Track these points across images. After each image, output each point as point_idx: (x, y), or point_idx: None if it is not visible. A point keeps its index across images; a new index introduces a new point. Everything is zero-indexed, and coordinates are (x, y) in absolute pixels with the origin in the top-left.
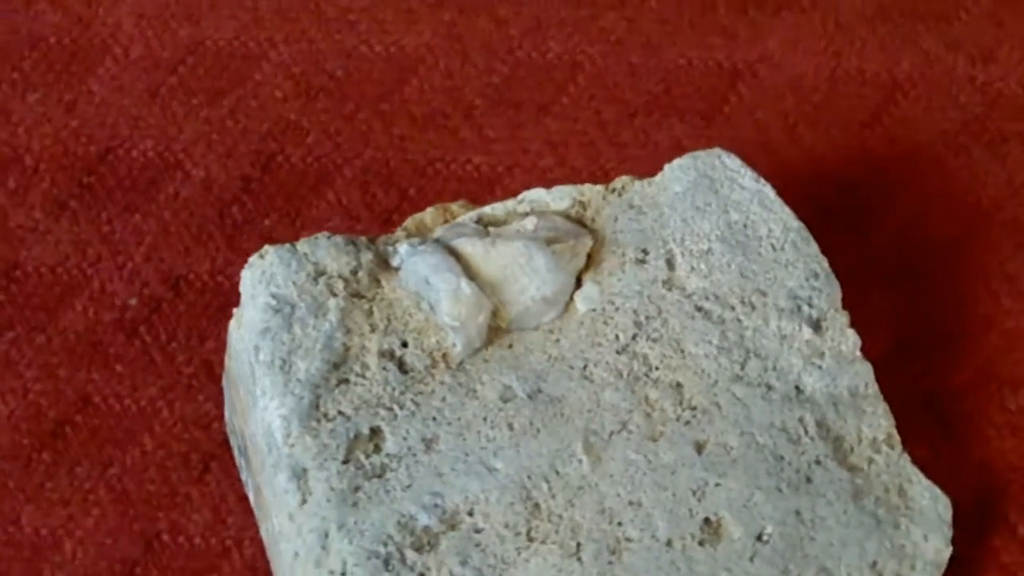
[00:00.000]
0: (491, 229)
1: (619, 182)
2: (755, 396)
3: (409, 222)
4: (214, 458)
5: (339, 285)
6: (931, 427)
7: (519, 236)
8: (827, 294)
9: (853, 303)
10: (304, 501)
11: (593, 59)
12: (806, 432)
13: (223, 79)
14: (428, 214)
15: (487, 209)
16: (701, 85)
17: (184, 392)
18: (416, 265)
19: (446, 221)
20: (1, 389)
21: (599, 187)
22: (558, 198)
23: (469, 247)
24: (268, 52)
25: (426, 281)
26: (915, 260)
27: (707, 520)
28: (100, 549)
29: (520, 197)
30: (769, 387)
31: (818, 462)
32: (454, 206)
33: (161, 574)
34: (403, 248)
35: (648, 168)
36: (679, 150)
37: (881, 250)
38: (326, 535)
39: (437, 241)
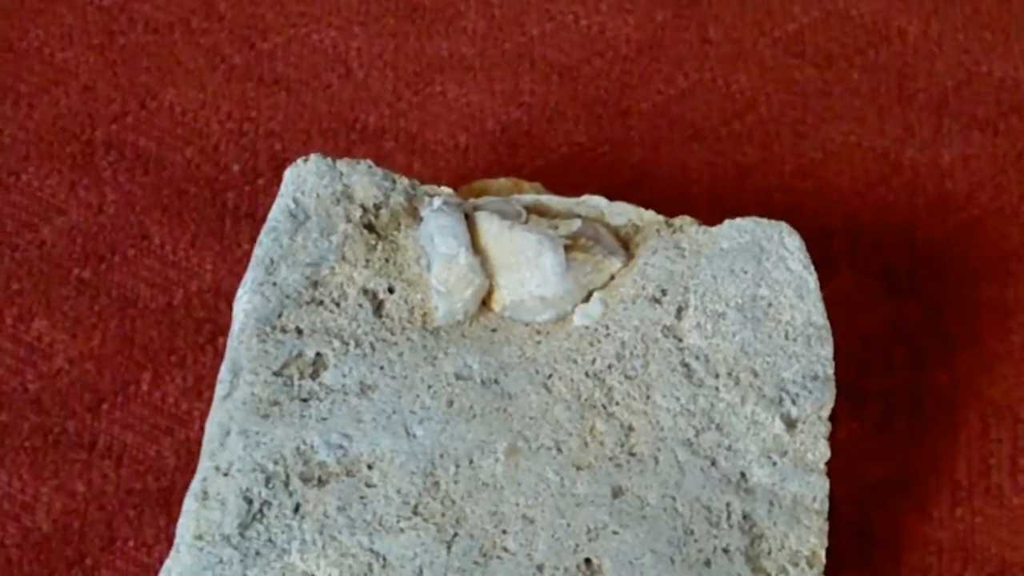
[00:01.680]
0: (533, 217)
1: (680, 220)
2: (696, 465)
3: (477, 184)
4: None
5: (356, 213)
6: None
7: (541, 231)
8: (817, 398)
9: None
10: (228, 395)
11: None
12: (728, 518)
13: None
14: (499, 183)
15: (548, 198)
16: None
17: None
18: (430, 221)
19: (520, 192)
20: None
21: (659, 217)
22: (616, 213)
23: (487, 223)
24: None
25: (431, 239)
26: None
27: (588, 561)
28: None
29: (583, 199)
30: (714, 463)
31: (726, 551)
32: (526, 184)
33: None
34: (434, 202)
35: None
36: None
37: None
38: (227, 433)
39: (460, 205)
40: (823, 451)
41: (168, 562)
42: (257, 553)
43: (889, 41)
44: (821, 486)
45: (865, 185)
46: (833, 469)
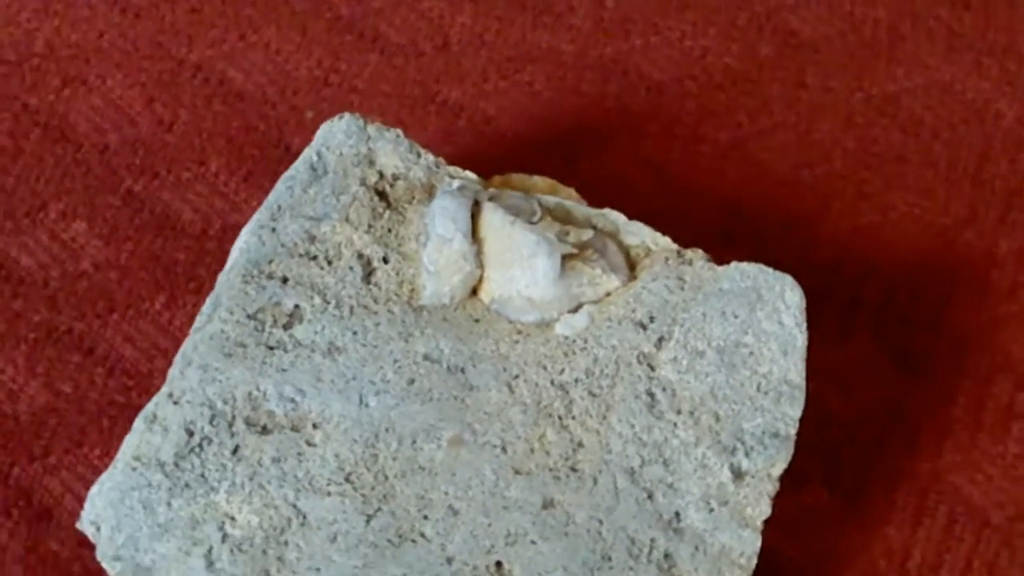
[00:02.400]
0: (547, 219)
1: (691, 253)
2: (632, 495)
3: (515, 177)
4: None
5: (372, 179)
6: None
7: (541, 233)
8: (771, 456)
9: None
10: (201, 328)
11: None
12: (649, 554)
13: None
14: (536, 181)
15: (572, 204)
16: None
17: None
18: (436, 202)
19: (552, 194)
20: None
21: (673, 246)
22: (631, 233)
23: (490, 215)
24: None
25: (433, 218)
26: None
27: (499, 564)
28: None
29: (603, 211)
30: (651, 496)
31: None
32: (562, 188)
33: None
34: (453, 183)
35: None
36: None
37: None
38: (189, 364)
39: (476, 193)
40: (764, 509)
41: (104, 475)
42: (187, 485)
43: (982, 120)
44: (752, 543)
45: (912, 258)
46: (789, 528)
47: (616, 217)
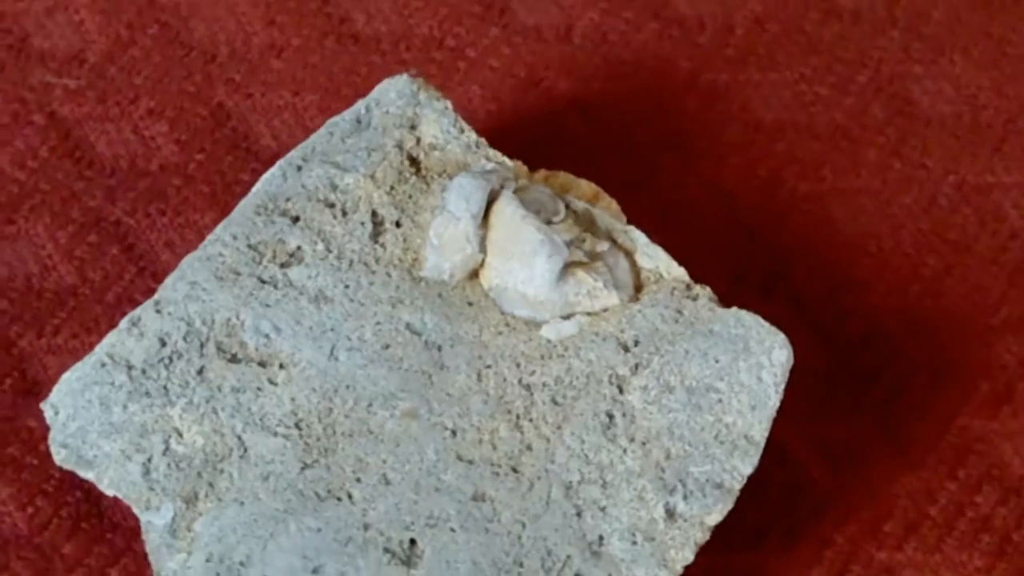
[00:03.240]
0: (569, 222)
1: (699, 289)
2: (561, 508)
3: (562, 176)
4: None
5: (409, 143)
6: None
7: (548, 234)
8: (708, 505)
9: None
10: (204, 246)
11: None
12: (561, 569)
13: None
14: (584, 184)
15: (601, 214)
16: None
17: None
18: (456, 179)
19: (590, 201)
20: None
21: (685, 278)
22: (648, 255)
23: (504, 203)
24: None
25: (449, 194)
26: None
27: (413, 542)
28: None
29: (628, 228)
30: (580, 515)
31: None
32: (607, 198)
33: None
34: (486, 165)
35: None
36: None
37: None
38: (181, 278)
39: (496, 178)
40: (687, 555)
41: (77, 364)
42: (147, 393)
43: None
44: None
45: (946, 353)
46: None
47: (638, 236)
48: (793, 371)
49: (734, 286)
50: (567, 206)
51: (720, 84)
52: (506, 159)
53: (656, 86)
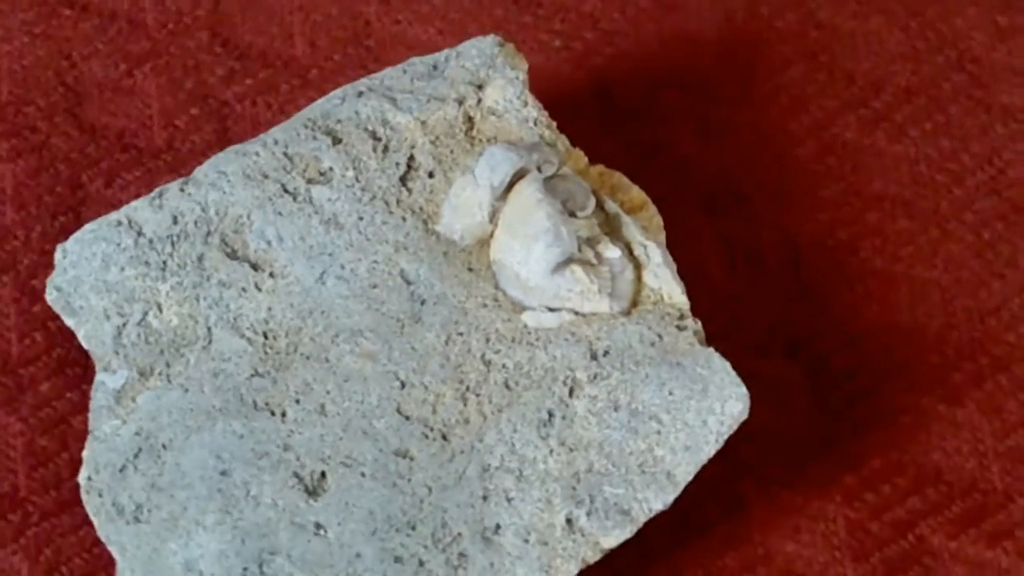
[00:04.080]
0: (593, 220)
1: (691, 322)
2: (469, 488)
3: (616, 177)
4: None
5: (471, 101)
6: None
7: (558, 224)
8: (607, 528)
9: None
10: (250, 143)
11: None
12: (450, 544)
13: None
14: (634, 192)
15: (630, 222)
16: None
17: None
18: (490, 147)
19: (633, 209)
20: None
21: (684, 307)
22: (656, 275)
23: (527, 185)
24: None
25: (479, 159)
26: None
27: (323, 475)
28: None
29: (648, 244)
30: (486, 498)
31: (423, 565)
32: (653, 209)
33: None
34: (529, 142)
35: None
36: None
37: None
38: (214, 166)
39: (533, 158)
40: (571, 569)
41: (100, 218)
42: (146, 263)
43: None
44: None
45: None
46: None
47: (654, 254)
48: (772, 431)
49: (763, 334)
50: (600, 206)
51: (841, 142)
52: (564, 144)
53: (779, 128)
